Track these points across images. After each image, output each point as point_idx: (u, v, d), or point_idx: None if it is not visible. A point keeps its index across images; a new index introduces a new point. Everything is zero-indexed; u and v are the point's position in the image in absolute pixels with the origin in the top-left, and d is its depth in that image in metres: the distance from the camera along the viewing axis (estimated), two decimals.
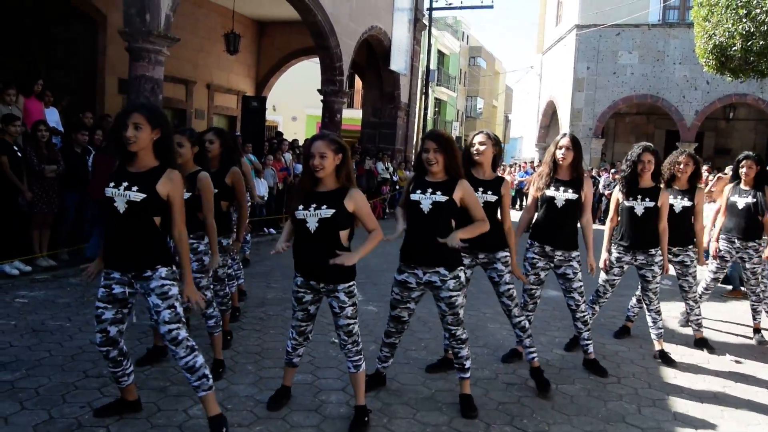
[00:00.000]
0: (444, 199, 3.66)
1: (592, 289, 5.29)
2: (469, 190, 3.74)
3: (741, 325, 6.36)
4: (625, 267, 5.13)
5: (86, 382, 3.98)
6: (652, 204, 4.92)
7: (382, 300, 6.26)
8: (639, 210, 4.95)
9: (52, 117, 8.46)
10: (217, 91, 17.43)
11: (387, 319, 4.04)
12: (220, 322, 4.28)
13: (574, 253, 4.60)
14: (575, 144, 4.60)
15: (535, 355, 4.33)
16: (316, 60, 14.84)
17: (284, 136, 15.01)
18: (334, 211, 3.36)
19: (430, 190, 3.70)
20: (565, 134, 4.70)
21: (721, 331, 6.16)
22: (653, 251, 5.00)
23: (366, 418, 3.58)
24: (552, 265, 4.62)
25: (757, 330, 5.87)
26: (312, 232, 3.37)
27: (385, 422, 3.64)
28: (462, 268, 3.78)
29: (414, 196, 3.72)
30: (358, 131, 19.11)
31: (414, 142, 19.93)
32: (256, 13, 17.99)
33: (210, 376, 3.29)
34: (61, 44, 12.18)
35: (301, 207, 3.39)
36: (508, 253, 4.28)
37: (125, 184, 3.15)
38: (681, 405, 4.23)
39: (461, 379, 3.93)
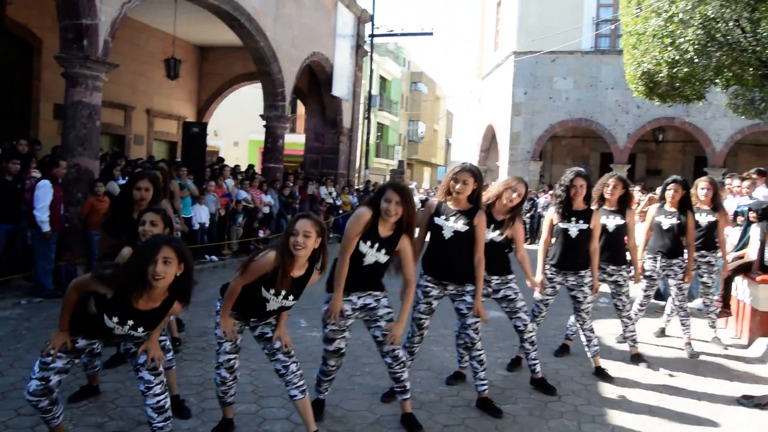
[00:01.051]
0: (388, 252, 3.84)
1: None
2: (406, 239, 3.86)
3: (673, 337, 6.61)
4: (558, 287, 5.29)
5: (18, 421, 3.82)
6: (585, 226, 5.10)
7: None
8: (573, 232, 5.11)
9: None
10: (157, 117, 17.17)
11: (324, 357, 4.00)
12: (173, 358, 4.18)
13: (510, 276, 4.72)
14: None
15: (486, 387, 4.38)
16: (259, 85, 14.82)
17: (226, 162, 14.88)
18: (295, 301, 3.52)
19: (377, 245, 3.79)
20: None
21: (656, 345, 6.39)
22: (583, 272, 5.18)
23: None
24: (490, 290, 4.71)
25: (688, 343, 6.12)
26: (268, 311, 3.50)
27: None
28: None
29: (363, 248, 3.78)
30: (301, 156, 19.10)
31: (357, 167, 20.04)
32: (198, 39, 17.87)
33: (172, 417, 3.25)
34: None
35: (272, 291, 3.41)
36: (474, 287, 4.28)
37: (131, 323, 3.07)
38: (619, 419, 4.36)
39: (404, 400, 3.97)
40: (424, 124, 46.97)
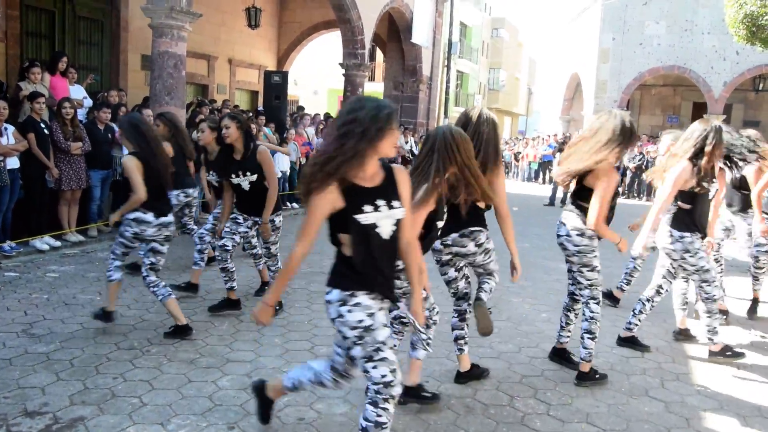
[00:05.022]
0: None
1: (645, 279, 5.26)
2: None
3: None
4: None
5: (118, 354, 4.08)
6: None
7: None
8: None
9: (78, 94, 8.55)
10: (239, 66, 17.43)
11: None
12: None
13: None
14: None
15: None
16: (338, 34, 14.76)
17: (306, 111, 15.02)
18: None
19: None
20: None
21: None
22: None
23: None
24: None
25: None
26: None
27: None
28: None
29: None
30: None
31: (436, 116, 19.79)
32: None
33: None
34: (83, 21, 12.24)
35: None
36: None
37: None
38: (705, 379, 4.22)
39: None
40: (505, 71, 45.69)
